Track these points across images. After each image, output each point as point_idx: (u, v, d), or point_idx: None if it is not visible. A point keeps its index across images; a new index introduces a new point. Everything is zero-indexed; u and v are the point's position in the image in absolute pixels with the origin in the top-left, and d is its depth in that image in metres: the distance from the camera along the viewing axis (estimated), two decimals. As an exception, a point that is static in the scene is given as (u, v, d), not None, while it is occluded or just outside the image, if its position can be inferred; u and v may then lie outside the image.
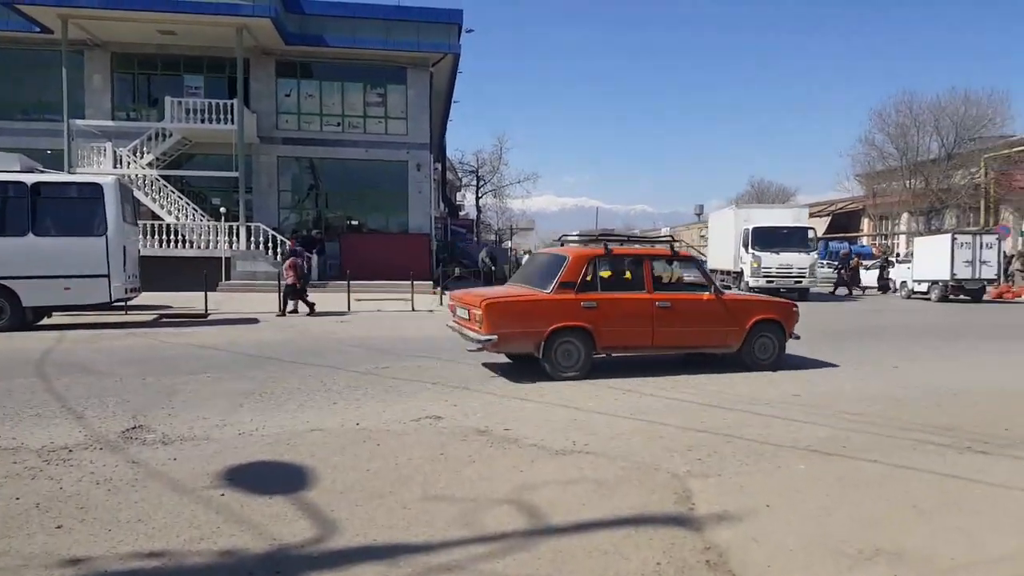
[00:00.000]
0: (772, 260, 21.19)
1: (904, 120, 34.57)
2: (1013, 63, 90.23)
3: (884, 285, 25.99)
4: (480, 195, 49.35)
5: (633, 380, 7.77)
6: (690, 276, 9.33)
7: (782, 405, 6.62)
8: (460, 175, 50.46)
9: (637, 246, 9.50)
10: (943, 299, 21.52)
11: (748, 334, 8.72)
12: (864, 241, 42.26)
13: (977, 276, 21.13)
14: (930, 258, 22.16)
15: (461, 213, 53.07)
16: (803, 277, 21.31)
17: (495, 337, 7.67)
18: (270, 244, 21.90)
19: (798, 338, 9.24)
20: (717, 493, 4.24)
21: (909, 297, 23.42)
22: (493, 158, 47.83)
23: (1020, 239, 27.34)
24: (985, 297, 22.21)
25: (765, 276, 21.06)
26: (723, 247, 24.22)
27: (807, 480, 4.52)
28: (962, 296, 21.65)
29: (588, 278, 8.11)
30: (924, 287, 22.59)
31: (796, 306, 9.42)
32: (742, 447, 5.22)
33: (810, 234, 21.54)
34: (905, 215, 36.95)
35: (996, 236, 22.22)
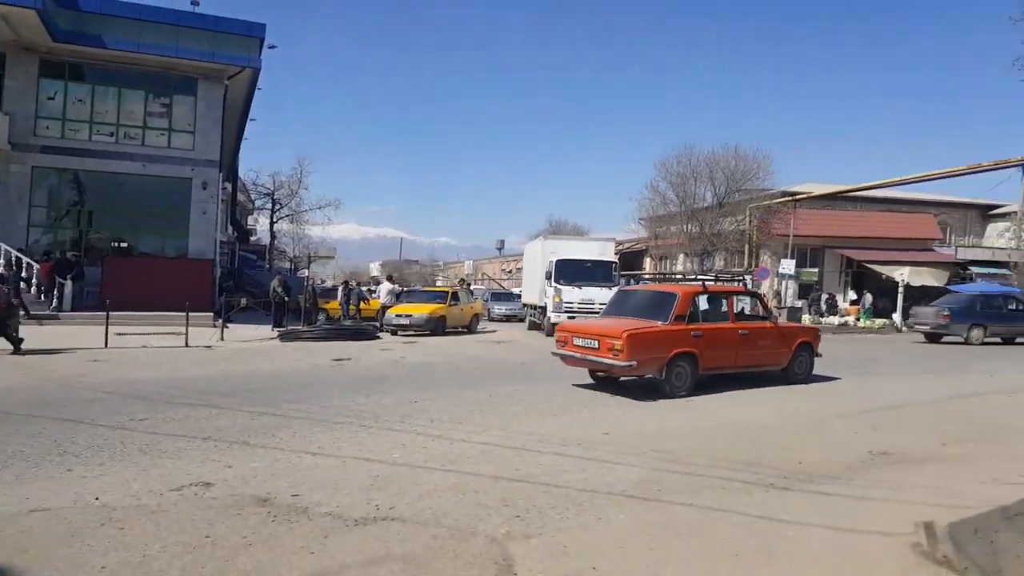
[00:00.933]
0: (574, 295, 20.26)
1: (684, 170, 38.19)
2: (774, 127, 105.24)
3: None
4: (275, 220, 46.35)
5: (443, 426, 7.18)
6: (752, 308, 11.62)
7: (593, 445, 6.40)
8: (253, 198, 47.06)
9: (718, 283, 12.39)
10: None
11: (793, 354, 10.88)
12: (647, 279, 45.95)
13: None
14: None
15: (252, 238, 49.42)
16: None
17: (634, 363, 9.03)
18: (14, 267, 18.43)
19: (821, 356, 11.44)
20: (540, 557, 3.77)
21: None
22: (292, 181, 45.15)
23: (776, 280, 31.14)
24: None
25: (567, 311, 19.93)
26: (532, 280, 24.38)
27: (629, 532, 4.21)
28: None
29: (692, 311, 9.81)
30: None
31: (819, 329, 12.45)
32: (561, 497, 4.84)
33: (614, 268, 21.40)
34: (682, 256, 40.69)
35: (749, 276, 25.22)
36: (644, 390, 9.74)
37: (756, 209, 34.65)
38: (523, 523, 4.32)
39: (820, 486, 5.26)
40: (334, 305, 23.47)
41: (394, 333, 19.75)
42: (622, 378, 9.94)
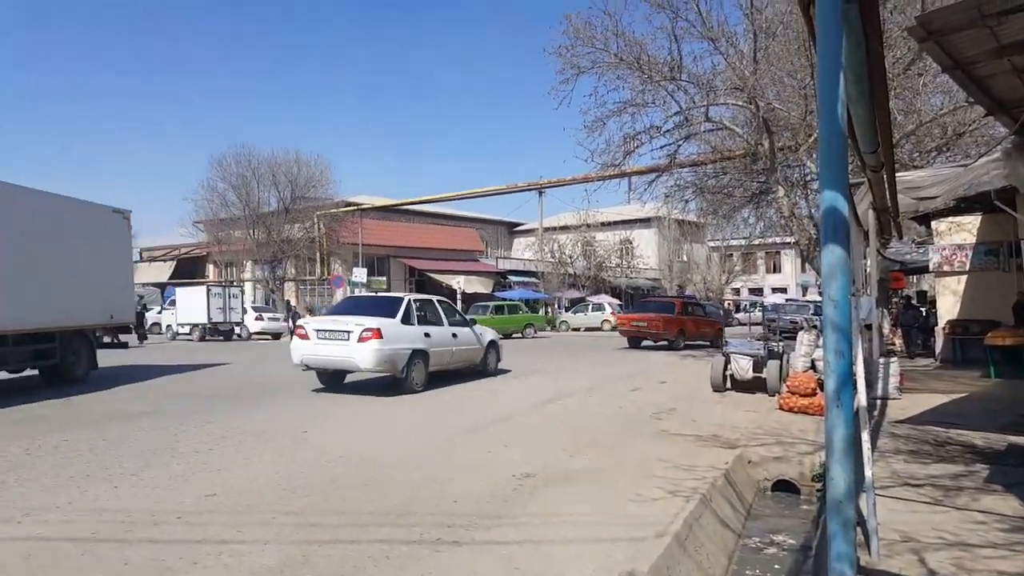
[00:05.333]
0: None
1: (244, 172, 35.66)
2: (336, 137, 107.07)
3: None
4: None
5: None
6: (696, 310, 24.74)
7: (195, 518, 4.74)
8: None
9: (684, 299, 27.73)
10: (202, 339, 24.52)
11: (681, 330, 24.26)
12: (209, 287, 41.70)
13: (228, 320, 25.18)
14: (190, 305, 24.96)
15: None
16: None
17: (667, 332, 21.60)
18: None
19: None
20: None
21: (175, 339, 25.83)
22: None
23: (349, 287, 31.13)
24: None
25: None
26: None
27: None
28: (218, 336, 25.30)
29: (682, 310, 23.43)
30: (187, 329, 25.33)
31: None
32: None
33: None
34: (250, 263, 37.99)
35: (240, 288, 27.09)
36: (222, 427, 8.11)
37: (323, 217, 34.38)
38: None
39: (489, 533, 4.61)
40: None
41: None
42: None
